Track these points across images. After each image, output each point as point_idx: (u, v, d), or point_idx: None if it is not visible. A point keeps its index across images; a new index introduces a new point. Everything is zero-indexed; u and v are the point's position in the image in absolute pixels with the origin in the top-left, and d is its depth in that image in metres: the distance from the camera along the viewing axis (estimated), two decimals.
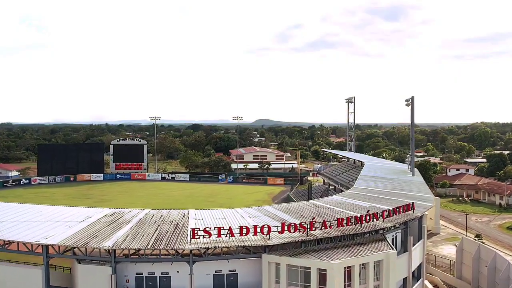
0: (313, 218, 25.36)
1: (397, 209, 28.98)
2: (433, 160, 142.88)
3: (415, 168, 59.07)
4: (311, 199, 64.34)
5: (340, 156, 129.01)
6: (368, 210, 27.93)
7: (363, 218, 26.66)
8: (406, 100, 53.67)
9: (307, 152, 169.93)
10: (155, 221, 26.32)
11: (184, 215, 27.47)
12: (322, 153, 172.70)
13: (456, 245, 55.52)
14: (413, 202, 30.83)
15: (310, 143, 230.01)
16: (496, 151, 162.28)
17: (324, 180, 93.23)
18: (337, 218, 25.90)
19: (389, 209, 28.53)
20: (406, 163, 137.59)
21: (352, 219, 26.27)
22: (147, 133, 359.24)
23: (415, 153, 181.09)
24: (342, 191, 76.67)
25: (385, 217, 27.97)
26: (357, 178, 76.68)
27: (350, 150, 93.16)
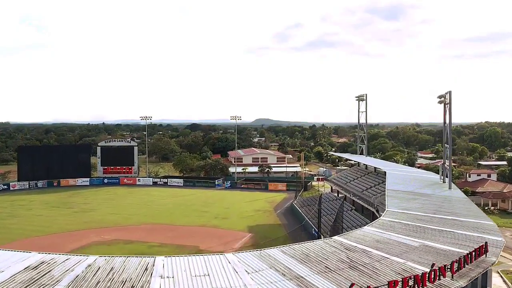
0: (352, 285, 15.74)
1: (469, 256, 19.51)
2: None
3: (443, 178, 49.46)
4: (321, 217, 54.66)
5: (344, 159, 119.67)
6: (433, 264, 18.25)
7: (426, 277, 17.13)
8: (439, 97, 44.10)
9: (309, 154, 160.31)
10: (98, 282, 16.65)
11: (146, 268, 17.68)
12: (326, 155, 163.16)
13: (499, 272, 46.05)
14: (486, 242, 21.28)
15: (312, 144, 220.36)
16: (508, 153, 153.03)
17: (332, 187, 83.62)
18: (388, 282, 16.30)
19: (460, 258, 18.97)
20: (416, 167, 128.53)
21: (410, 280, 16.69)
22: (144, 133, 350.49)
23: (423, 155, 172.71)
24: (354, 201, 67.76)
25: (455, 270, 18.48)
26: (371, 187, 67.65)
27: (361, 153, 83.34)
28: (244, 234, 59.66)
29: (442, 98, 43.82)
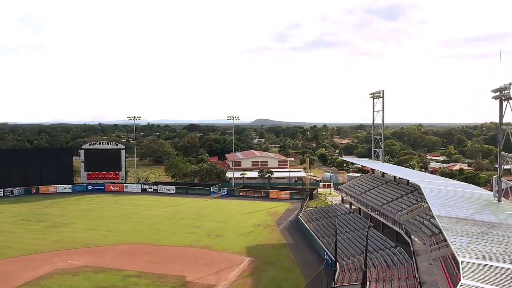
0: None
1: None
2: (460, 166, 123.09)
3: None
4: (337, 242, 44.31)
5: (350, 162, 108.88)
6: None
7: None
8: (494, 91, 33.84)
9: (313, 157, 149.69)
10: None
11: None
12: (330, 157, 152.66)
13: None
14: None
15: (314, 145, 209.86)
16: None
17: (342, 198, 73.22)
18: None
19: None
20: (429, 171, 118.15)
21: None
22: (142, 133, 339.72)
23: (434, 158, 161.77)
24: (371, 216, 57.45)
25: None
26: (393, 199, 57.21)
27: (377, 158, 73.01)
28: (241, 258, 49.34)
29: (499, 93, 33.46)
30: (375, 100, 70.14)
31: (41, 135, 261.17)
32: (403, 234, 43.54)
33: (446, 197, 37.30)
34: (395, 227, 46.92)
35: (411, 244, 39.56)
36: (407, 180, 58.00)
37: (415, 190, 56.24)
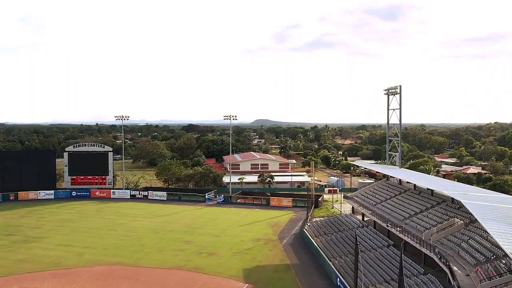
0: None
1: None
2: (475, 170, 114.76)
3: None
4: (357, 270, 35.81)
5: (354, 165, 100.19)
6: None
7: None
8: None
9: (315, 159, 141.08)
10: None
11: None
12: (333, 159, 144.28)
13: None
14: None
15: (316, 146, 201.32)
16: None
17: (353, 208, 64.80)
18: None
19: None
20: (441, 175, 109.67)
21: None
22: (139, 134, 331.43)
23: (443, 159, 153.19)
24: (389, 232, 49.17)
25: None
26: (416, 213, 48.76)
27: (392, 162, 64.64)
28: (238, 284, 41.07)
29: None
30: (391, 97, 61.80)
31: (33, 136, 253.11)
32: (436, 260, 35.13)
33: (505, 220, 28.92)
34: (424, 250, 38.41)
35: (451, 277, 31.20)
36: (432, 190, 49.75)
37: (442, 201, 47.95)
